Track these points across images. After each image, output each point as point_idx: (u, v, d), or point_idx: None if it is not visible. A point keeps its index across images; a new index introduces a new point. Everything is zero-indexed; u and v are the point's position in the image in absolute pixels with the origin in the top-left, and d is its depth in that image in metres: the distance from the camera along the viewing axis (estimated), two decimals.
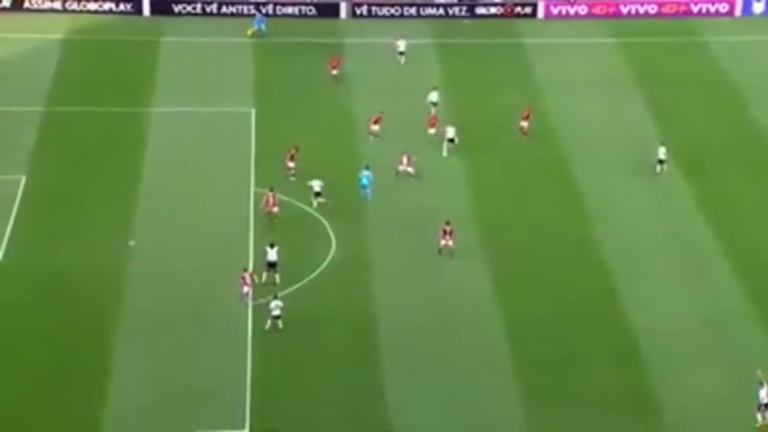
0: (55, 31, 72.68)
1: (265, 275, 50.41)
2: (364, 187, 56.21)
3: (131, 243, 53.02)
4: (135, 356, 46.74)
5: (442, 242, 53.03)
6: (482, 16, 77.24)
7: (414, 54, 70.09)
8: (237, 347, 47.36)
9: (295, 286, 50.77)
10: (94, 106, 64.58)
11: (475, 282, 51.74)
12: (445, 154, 58.38)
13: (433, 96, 64.53)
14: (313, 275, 51.59)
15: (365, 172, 56.48)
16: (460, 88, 67.94)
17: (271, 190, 55.12)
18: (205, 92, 66.34)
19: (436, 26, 75.73)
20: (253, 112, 64.79)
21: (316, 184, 55.53)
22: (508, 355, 47.46)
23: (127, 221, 54.64)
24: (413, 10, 76.87)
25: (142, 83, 67.04)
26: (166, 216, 55.43)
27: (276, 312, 48.07)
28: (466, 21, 76.75)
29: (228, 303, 49.79)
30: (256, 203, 55.83)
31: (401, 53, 68.52)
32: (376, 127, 61.28)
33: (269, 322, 48.21)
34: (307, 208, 56.08)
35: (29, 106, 64.20)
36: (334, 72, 66.42)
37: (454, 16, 77.14)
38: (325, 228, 54.98)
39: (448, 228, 53.08)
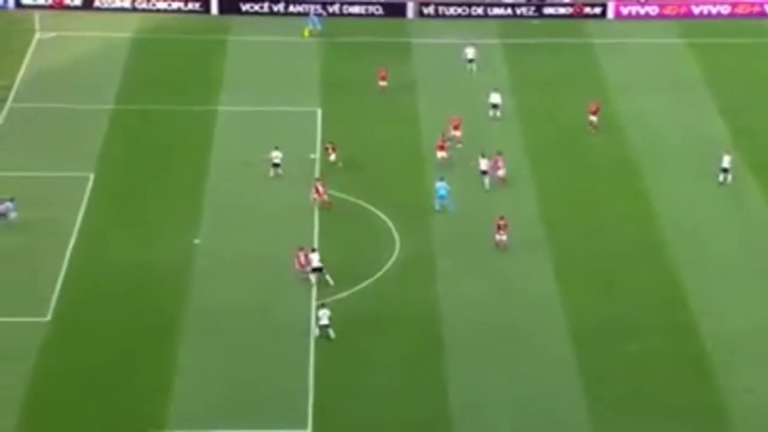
0: (124, 29, 73.86)
1: (313, 279, 50.54)
2: (441, 197, 55.95)
3: (196, 241, 53.79)
4: (200, 353, 47.40)
5: (497, 237, 53.16)
6: (550, 16, 77.27)
7: (480, 54, 70.18)
8: (300, 346, 47.85)
9: (359, 286, 51.21)
10: (162, 105, 65.54)
11: (539, 282, 51.88)
12: (487, 187, 57.82)
13: (495, 97, 64.63)
14: (378, 275, 51.97)
15: (441, 183, 56.37)
16: (527, 89, 68.02)
17: (318, 180, 55.35)
18: (271, 91, 67.02)
19: (504, 26, 75.82)
20: (319, 112, 65.37)
21: (275, 156, 56.68)
22: (574, 357, 47.49)
23: (192, 219, 55.40)
24: (480, 10, 77.08)
25: (209, 82, 67.90)
26: (232, 215, 56.10)
27: (324, 321, 47.73)
28: (534, 21, 76.81)
29: (292, 301, 50.36)
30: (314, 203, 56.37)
31: (470, 60, 67.88)
32: (457, 133, 60.96)
33: (317, 331, 48.04)
34: (372, 208, 56.51)
35: (98, 104, 65.33)
36: (383, 84, 65.96)
37: (522, 16, 77.23)
38: (389, 228, 55.40)
39: (502, 222, 53.25)
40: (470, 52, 67.99)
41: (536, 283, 51.88)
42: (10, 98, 65.56)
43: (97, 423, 43.81)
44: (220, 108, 65.39)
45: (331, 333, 48.06)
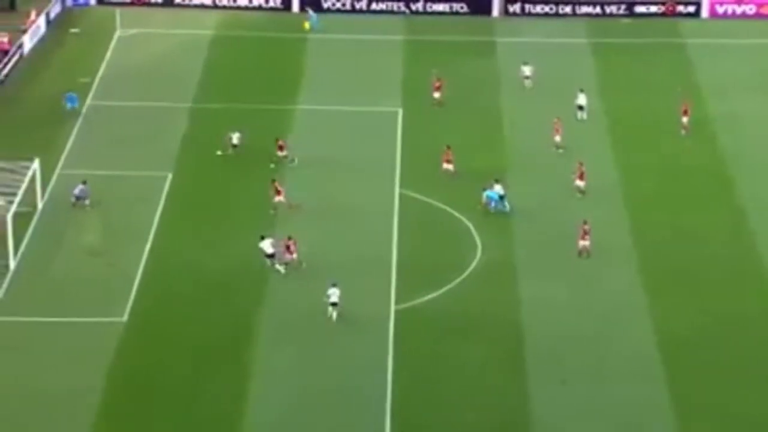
0: (205, 27, 74.78)
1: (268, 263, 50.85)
2: (494, 200, 55.64)
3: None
4: (275, 356, 47.75)
5: (581, 243, 52.88)
6: (642, 14, 76.62)
7: (568, 54, 69.86)
8: (379, 348, 48.05)
9: (441, 290, 51.22)
10: (241, 103, 66.16)
11: (625, 289, 51.49)
12: (507, 209, 57.06)
13: (581, 99, 64.24)
14: (459, 279, 51.97)
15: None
16: (615, 90, 67.53)
17: (273, 181, 56.10)
18: (351, 90, 67.39)
19: (592, 25, 75.43)
20: (401, 111, 65.51)
21: (235, 137, 58.76)
22: (661, 367, 47.03)
23: (270, 219, 55.76)
24: (568, 9, 76.72)
25: (288, 80, 68.43)
26: (310, 215, 56.41)
27: (334, 299, 48.67)
28: (625, 20, 76.21)
29: (372, 302, 50.55)
30: (400, 204, 56.49)
31: (526, 78, 66.94)
32: (557, 138, 60.69)
33: (329, 309, 48.79)
34: (453, 211, 56.44)
35: (177, 102, 66.18)
36: (437, 95, 65.36)
37: (611, 14, 76.70)
38: (470, 231, 55.32)
39: (586, 227, 52.92)
40: (527, 70, 66.95)
41: (622, 290, 51.48)
42: (90, 95, 66.69)
43: (171, 425, 44.30)
44: (299, 107, 65.85)
45: (335, 314, 48.39)
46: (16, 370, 46.54)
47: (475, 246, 54.29)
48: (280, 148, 59.78)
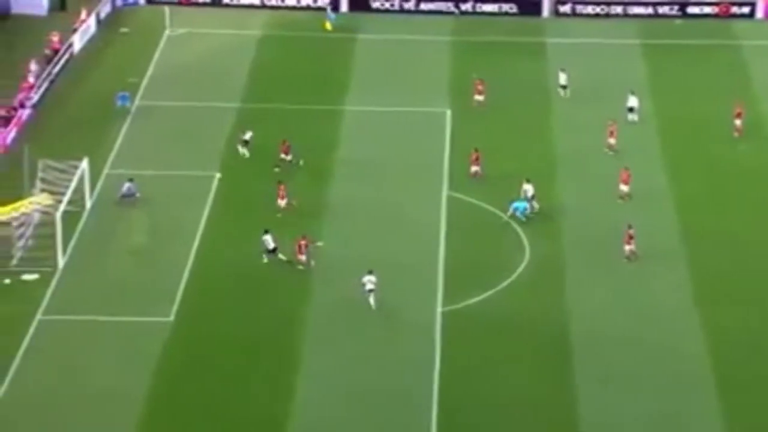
0: (253, 26, 75.29)
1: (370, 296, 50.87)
2: (520, 210, 55.42)
3: (319, 243, 54.55)
4: (322, 355, 48.04)
5: (627, 248, 52.77)
6: (695, 15, 76.29)
7: (618, 55, 69.67)
8: (426, 350, 48.19)
9: (488, 293, 51.34)
10: (288, 104, 66.56)
11: (675, 296, 51.34)
12: (531, 212, 56.58)
13: (632, 101, 64.03)
14: (506, 282, 52.06)
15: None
16: (668, 92, 67.31)
17: (280, 183, 56.37)
18: (400, 91, 67.57)
19: (644, 26, 75.16)
20: (449, 112, 65.66)
21: (247, 135, 59.01)
22: (711, 376, 46.77)
23: (316, 221, 56.16)
24: (620, 9, 76.55)
25: (336, 81, 68.73)
26: (356, 217, 56.73)
27: (370, 286, 49.46)
28: (677, 21, 75.92)
29: (419, 304, 50.73)
30: (448, 208, 56.68)
31: (563, 87, 66.23)
32: (612, 140, 60.59)
33: (367, 296, 49.59)
34: (501, 213, 56.53)
35: (224, 102, 66.69)
36: (479, 98, 65.23)
37: (663, 15, 76.43)
38: (518, 234, 55.38)
39: (631, 232, 52.80)
40: (563, 78, 66.42)
41: (671, 296, 51.33)
42: (139, 95, 67.39)
43: (217, 425, 44.68)
44: (347, 108, 66.15)
45: (372, 301, 49.22)
46: (62, 369, 47.19)
47: (523, 248, 54.32)
48: (286, 150, 59.76)
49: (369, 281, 49.87)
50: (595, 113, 64.09)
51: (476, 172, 58.68)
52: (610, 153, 60.85)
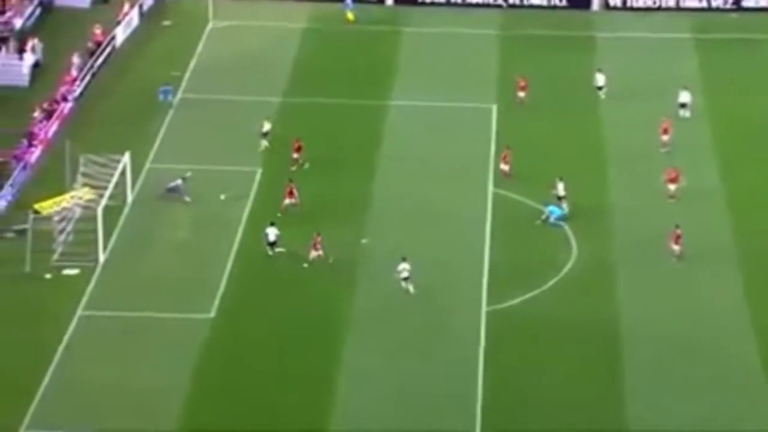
0: (297, 19, 75.39)
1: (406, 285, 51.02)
2: (554, 215, 55.18)
3: (363, 241, 54.66)
4: (365, 353, 48.10)
5: (675, 247, 52.56)
6: (750, 9, 75.73)
7: (670, 49, 69.26)
8: (470, 351, 48.19)
9: (535, 292, 51.27)
10: (332, 98, 66.66)
11: (727, 298, 51.04)
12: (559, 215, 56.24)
13: (684, 96, 63.63)
14: (554, 281, 51.96)
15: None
16: (721, 88, 66.86)
17: (291, 181, 56.15)
18: (445, 86, 67.49)
19: (697, 19, 74.66)
20: (495, 108, 65.55)
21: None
22: (761, 373, 46.51)
23: (360, 217, 56.31)
24: (672, 2, 76.16)
25: (381, 75, 68.75)
26: (400, 214, 56.76)
27: (404, 274, 50.09)
28: (732, 14, 75.41)
29: (463, 304, 50.72)
30: (494, 204, 56.61)
31: (599, 88, 65.52)
32: (666, 137, 60.26)
33: (402, 284, 49.95)
34: (543, 210, 56.42)
35: (267, 96, 66.83)
36: (522, 94, 65.08)
37: (718, 9, 75.95)
38: (565, 232, 55.26)
39: (678, 232, 52.59)
40: (600, 79, 65.87)
41: (723, 298, 51.05)
42: (181, 89, 67.78)
43: (257, 423, 44.83)
44: (392, 102, 66.16)
45: (411, 288, 49.87)
46: (103, 365, 47.56)
47: (570, 247, 54.19)
48: (298, 149, 59.71)
49: (404, 269, 50.36)
50: (646, 109, 63.82)
51: (505, 171, 58.44)
52: (664, 150, 60.55)
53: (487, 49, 71.62)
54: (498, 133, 63.17)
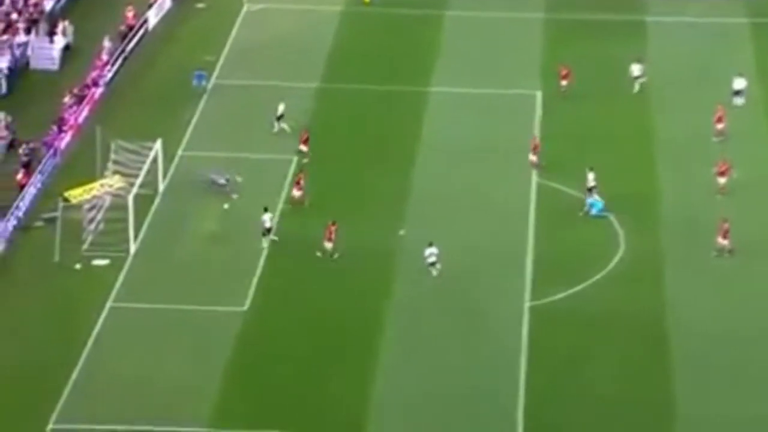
0: (334, 2, 74.81)
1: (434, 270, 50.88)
2: (595, 207, 54.40)
3: (401, 232, 54.00)
4: (402, 350, 47.62)
5: (721, 242, 51.89)
6: None
7: (725, 34, 68.06)
8: (512, 347, 47.63)
9: (581, 286, 50.61)
10: (370, 84, 66.10)
11: None
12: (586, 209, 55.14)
13: (739, 83, 62.66)
14: (600, 275, 51.26)
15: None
16: None
17: (301, 171, 55.83)
18: (488, 72, 66.84)
19: (754, 4, 73.41)
20: (539, 95, 64.66)
21: (280, 108, 55.33)
22: None
23: (398, 208, 55.70)
24: None
25: (421, 60, 68.09)
26: (440, 204, 56.13)
27: (432, 259, 50.49)
28: None
29: (505, 298, 50.12)
30: (538, 195, 55.77)
31: (636, 78, 64.16)
32: (720, 126, 59.33)
33: (429, 269, 50.29)
34: (585, 202, 55.51)
35: (303, 82, 66.31)
36: (564, 83, 63.81)
37: None
38: (612, 225, 54.29)
39: (726, 226, 51.85)
40: (636, 69, 64.42)
41: None
42: (215, 74, 67.29)
43: (291, 418, 44.35)
44: (432, 89, 65.53)
45: (434, 271, 50.27)
46: (133, 358, 47.27)
47: (618, 240, 53.34)
48: (305, 141, 58.95)
49: (431, 254, 50.47)
50: (698, 97, 62.92)
51: (534, 162, 57.39)
52: (717, 140, 59.44)
53: (532, 34, 70.97)
54: (543, 120, 62.35)
